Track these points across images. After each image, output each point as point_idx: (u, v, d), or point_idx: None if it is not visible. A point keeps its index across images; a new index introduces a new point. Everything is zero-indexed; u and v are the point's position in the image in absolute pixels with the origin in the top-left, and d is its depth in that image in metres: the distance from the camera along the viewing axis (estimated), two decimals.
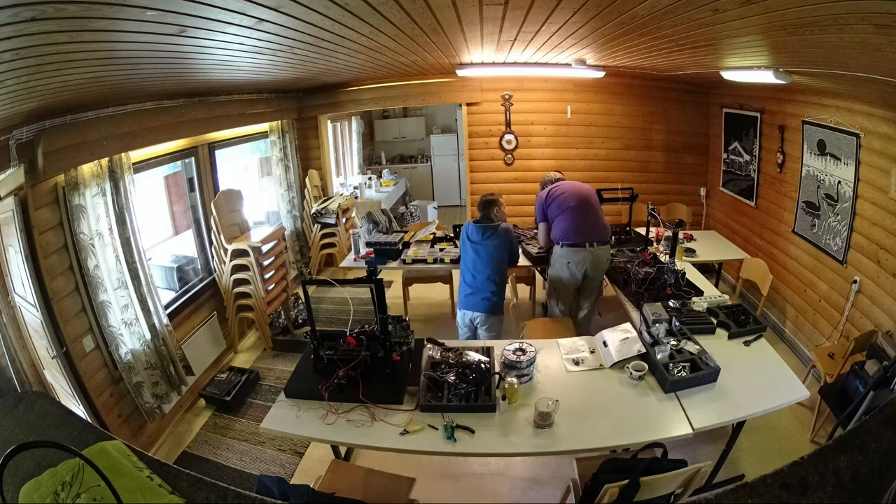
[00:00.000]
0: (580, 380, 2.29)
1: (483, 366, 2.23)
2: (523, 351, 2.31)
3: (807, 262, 3.60)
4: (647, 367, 2.22)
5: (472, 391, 2.12)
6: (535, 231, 4.27)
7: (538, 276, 4.48)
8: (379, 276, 2.21)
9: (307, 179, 5.41)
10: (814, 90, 3.30)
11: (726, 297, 2.90)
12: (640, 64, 3.66)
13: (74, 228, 2.59)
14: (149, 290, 3.02)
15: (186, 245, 4.17)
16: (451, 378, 2.14)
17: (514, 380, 2.13)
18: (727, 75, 3.22)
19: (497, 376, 2.20)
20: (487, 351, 2.38)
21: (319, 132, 5.55)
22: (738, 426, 2.25)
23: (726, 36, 2.00)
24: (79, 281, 2.67)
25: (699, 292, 2.98)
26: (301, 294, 3.02)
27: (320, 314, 4.65)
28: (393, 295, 4.64)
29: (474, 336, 3.25)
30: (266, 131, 4.88)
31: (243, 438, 3.12)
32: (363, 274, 2.24)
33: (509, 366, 2.27)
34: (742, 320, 2.61)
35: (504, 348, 2.35)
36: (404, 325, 2.49)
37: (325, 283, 2.35)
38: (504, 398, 2.11)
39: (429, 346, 2.41)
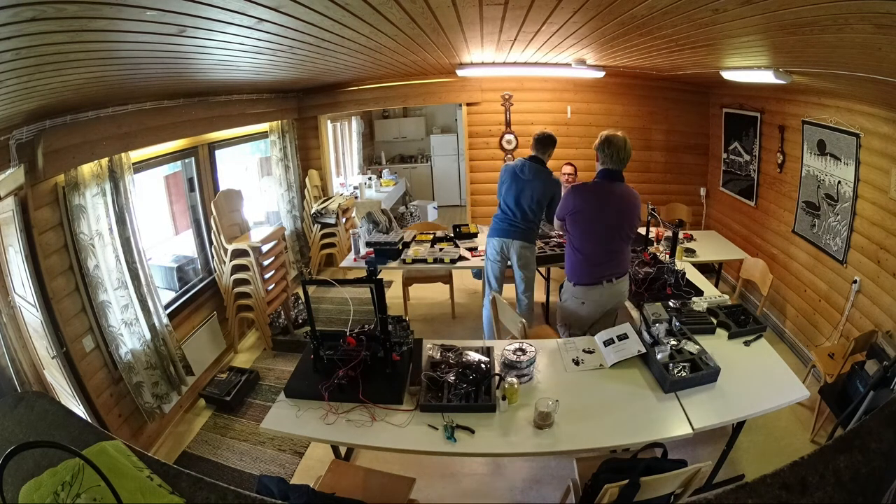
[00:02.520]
0: (580, 380, 2.29)
1: (483, 366, 2.24)
2: (523, 351, 2.31)
3: (807, 262, 3.60)
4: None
5: (472, 391, 2.12)
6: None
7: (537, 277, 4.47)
8: (379, 276, 2.21)
9: (307, 179, 5.41)
10: (814, 90, 3.30)
11: (726, 297, 2.90)
12: (640, 64, 3.66)
13: (74, 228, 2.59)
14: (149, 290, 3.02)
15: (186, 245, 4.17)
16: (451, 378, 2.14)
17: (514, 380, 2.13)
18: (727, 75, 3.22)
19: (497, 376, 2.20)
20: (487, 351, 2.38)
21: (319, 132, 5.55)
22: (738, 426, 2.25)
23: (726, 36, 2.00)
24: (79, 281, 2.67)
25: (699, 292, 2.98)
26: (301, 294, 3.02)
27: (320, 314, 4.64)
28: (393, 295, 4.65)
29: (501, 274, 3.43)
30: (266, 131, 4.88)
31: (243, 438, 3.12)
32: (363, 274, 2.24)
33: (509, 366, 2.27)
34: (742, 320, 2.61)
35: (504, 348, 2.35)
36: (404, 325, 2.49)
37: (325, 283, 2.34)
38: (504, 398, 2.11)
39: (429, 345, 2.41)
